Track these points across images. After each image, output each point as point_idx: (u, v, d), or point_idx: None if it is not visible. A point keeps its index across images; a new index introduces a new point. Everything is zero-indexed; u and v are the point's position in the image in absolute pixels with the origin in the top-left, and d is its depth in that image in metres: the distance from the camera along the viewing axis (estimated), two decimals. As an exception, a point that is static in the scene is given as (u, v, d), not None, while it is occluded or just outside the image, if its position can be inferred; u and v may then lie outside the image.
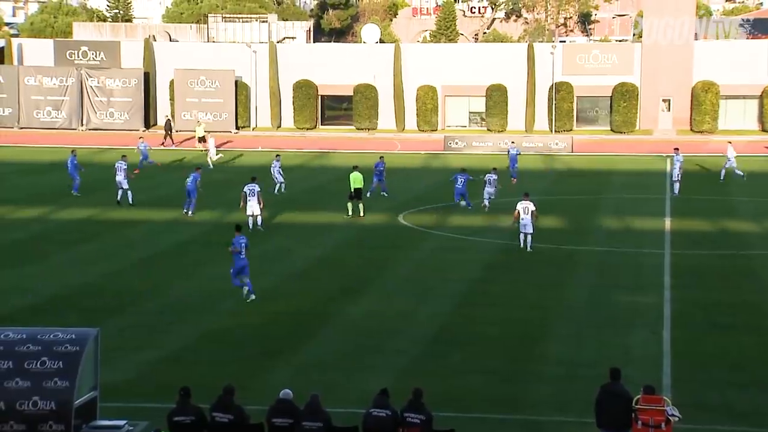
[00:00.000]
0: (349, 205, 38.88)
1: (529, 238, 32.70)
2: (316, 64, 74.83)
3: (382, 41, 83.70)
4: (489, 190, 40.60)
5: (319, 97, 75.20)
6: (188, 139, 64.88)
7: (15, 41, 79.76)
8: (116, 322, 23.71)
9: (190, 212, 38.68)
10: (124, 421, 14.85)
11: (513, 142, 55.22)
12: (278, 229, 36.95)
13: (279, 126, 74.68)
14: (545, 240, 33.88)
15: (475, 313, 25.50)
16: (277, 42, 80.00)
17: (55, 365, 13.65)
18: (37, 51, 77.35)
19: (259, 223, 35.78)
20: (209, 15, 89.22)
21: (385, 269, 30.62)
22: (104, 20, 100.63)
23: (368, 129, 73.38)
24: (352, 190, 38.98)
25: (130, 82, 73.17)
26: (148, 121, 74.09)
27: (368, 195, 42.22)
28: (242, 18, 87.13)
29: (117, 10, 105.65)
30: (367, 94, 73.30)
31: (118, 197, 40.94)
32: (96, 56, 75.93)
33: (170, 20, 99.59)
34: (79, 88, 72.64)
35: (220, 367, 20.67)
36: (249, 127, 74.63)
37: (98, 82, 72.91)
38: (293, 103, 74.40)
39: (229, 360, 21.33)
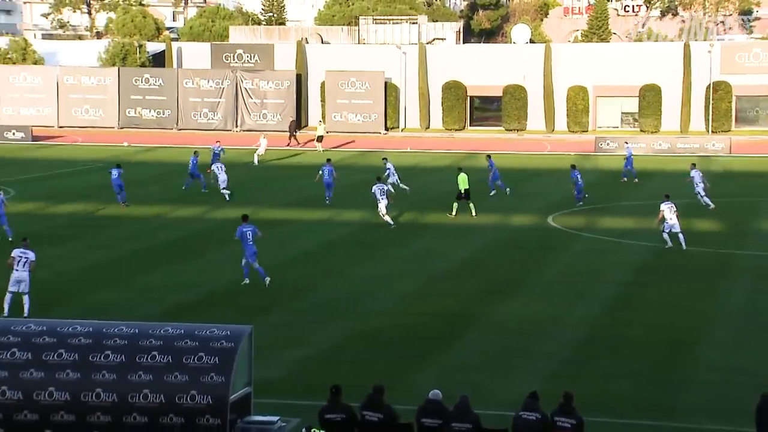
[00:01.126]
0: (455, 204, 38.76)
1: (681, 236, 31.99)
2: (465, 64, 74.74)
3: (532, 41, 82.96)
4: (700, 185, 39.88)
5: (468, 98, 75.13)
6: (312, 140, 65.86)
7: (174, 45, 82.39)
8: (268, 320, 24.18)
9: (327, 201, 41.08)
10: (276, 418, 15.11)
11: (627, 143, 54.41)
12: (425, 229, 37.06)
13: (428, 127, 74.90)
14: (700, 243, 32.98)
15: (626, 316, 25.01)
16: (427, 43, 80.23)
17: (212, 361, 13.98)
18: (195, 54, 79.70)
19: (390, 222, 36.17)
20: (360, 17, 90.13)
21: (534, 271, 30.33)
22: (259, 23, 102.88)
23: (517, 130, 72.86)
24: (462, 191, 38.90)
25: (282, 84, 74.63)
26: (300, 122, 75.41)
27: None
28: (392, 20, 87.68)
29: (271, 14, 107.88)
30: (516, 94, 72.81)
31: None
32: (250, 59, 77.71)
33: (322, 22, 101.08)
34: (234, 90, 74.51)
35: (369, 366, 20.85)
36: (398, 128, 75.08)
37: (252, 84, 74.63)
38: (442, 104, 74.49)
39: (378, 359, 21.49)
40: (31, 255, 23.72)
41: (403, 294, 27.31)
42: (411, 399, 16.65)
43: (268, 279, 27.24)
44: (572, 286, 28.33)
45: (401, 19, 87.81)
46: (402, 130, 74.94)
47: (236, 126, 74.68)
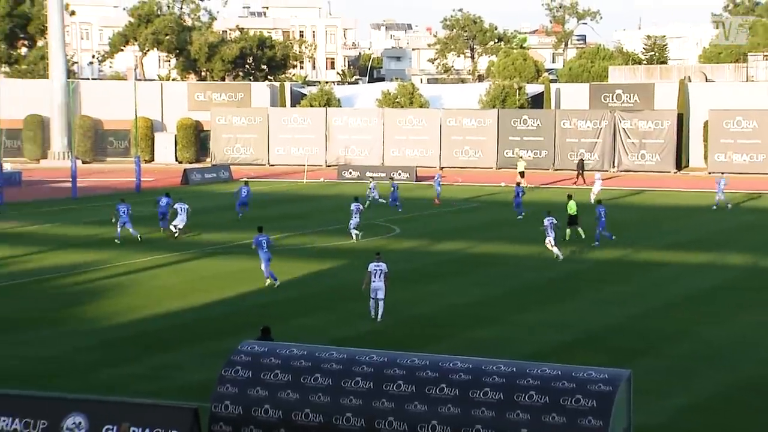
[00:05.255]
0: (568, 230, 41.26)
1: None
2: None
3: None
4: None
5: None
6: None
7: (553, 86, 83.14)
8: (646, 364, 23.45)
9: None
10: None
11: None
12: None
13: (820, 167, 70.21)
14: None
15: None
16: (823, 78, 75.38)
17: (590, 404, 13.77)
18: (573, 95, 79.94)
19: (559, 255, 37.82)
20: (749, 54, 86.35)
21: None
22: (639, 63, 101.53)
23: None
24: (570, 216, 41.68)
25: (662, 123, 73.01)
26: (680, 163, 73.32)
27: None
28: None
29: (653, 53, 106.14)
30: None
31: None
32: (629, 99, 76.80)
33: (707, 60, 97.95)
34: (612, 131, 73.84)
35: (756, 418, 19.64)
36: (786, 168, 71.03)
37: (631, 124, 73.61)
38: (839, 143, 69.63)
39: (766, 411, 20.19)
40: (384, 267, 27.56)
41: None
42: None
43: (277, 282, 31.83)
44: None
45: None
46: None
47: (613, 166, 73.92)
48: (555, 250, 37.58)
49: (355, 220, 42.07)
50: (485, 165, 76.55)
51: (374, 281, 27.48)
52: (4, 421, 15.72)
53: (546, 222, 37.83)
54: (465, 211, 53.64)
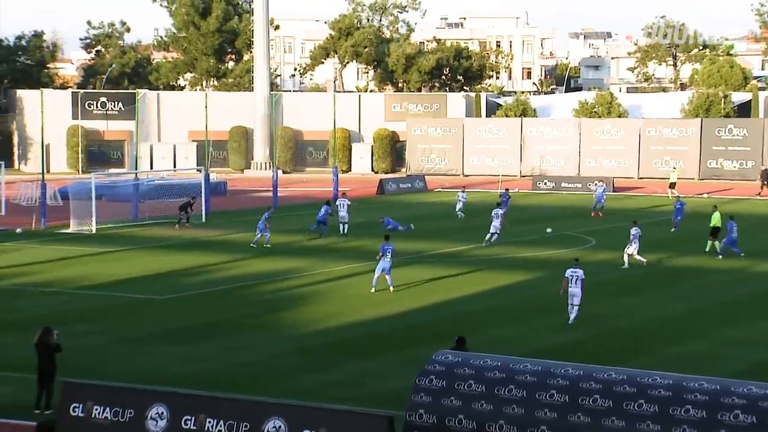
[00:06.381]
0: (709, 242, 40.84)
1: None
2: None
3: None
4: None
5: None
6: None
7: (762, 94, 80.00)
8: None
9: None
10: None
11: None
12: None
13: None
14: None
15: None
16: None
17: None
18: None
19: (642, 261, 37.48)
20: None
21: None
22: None
23: None
24: (712, 228, 41.08)
25: None
26: None
27: None
28: None
29: None
30: None
31: None
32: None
33: None
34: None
35: None
36: None
37: None
38: None
39: None
40: (581, 273, 27.96)
41: None
42: None
43: (392, 288, 32.69)
44: None
45: None
46: None
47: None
48: (639, 257, 37.24)
49: (496, 223, 43.23)
50: (687, 176, 74.33)
51: (571, 287, 27.96)
52: (210, 422, 16.27)
53: (633, 231, 37.64)
54: (663, 223, 52.15)
